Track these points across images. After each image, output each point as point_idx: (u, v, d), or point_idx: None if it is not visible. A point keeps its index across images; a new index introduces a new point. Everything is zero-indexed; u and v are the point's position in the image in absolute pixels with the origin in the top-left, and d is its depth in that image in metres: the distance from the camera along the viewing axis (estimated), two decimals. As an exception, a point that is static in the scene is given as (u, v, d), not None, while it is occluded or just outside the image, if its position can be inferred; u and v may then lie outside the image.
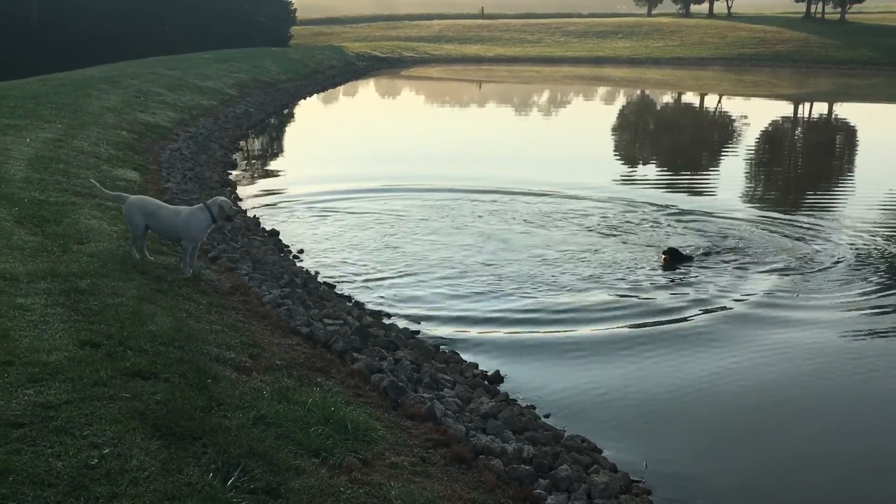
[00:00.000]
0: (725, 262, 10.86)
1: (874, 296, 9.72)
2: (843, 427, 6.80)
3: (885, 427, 6.83)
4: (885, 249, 11.74)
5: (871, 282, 10.19)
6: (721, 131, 28.99)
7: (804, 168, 22.10)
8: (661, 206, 14.44)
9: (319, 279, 9.75)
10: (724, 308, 9.18)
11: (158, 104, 21.39)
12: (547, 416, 6.58)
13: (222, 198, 7.89)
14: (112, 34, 44.16)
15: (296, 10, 64.00)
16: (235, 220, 9.06)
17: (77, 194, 10.06)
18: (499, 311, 9.03)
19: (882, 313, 9.23)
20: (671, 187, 16.97)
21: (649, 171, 20.26)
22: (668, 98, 41.90)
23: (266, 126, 26.31)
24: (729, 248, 11.50)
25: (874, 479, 6.01)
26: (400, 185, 15.88)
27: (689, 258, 10.70)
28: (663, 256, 10.65)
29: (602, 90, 45.45)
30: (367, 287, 9.73)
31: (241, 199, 14.21)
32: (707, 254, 11.09)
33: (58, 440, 4.03)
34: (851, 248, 11.71)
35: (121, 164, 13.38)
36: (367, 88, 45.01)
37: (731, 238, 12.08)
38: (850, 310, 9.26)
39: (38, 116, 15.24)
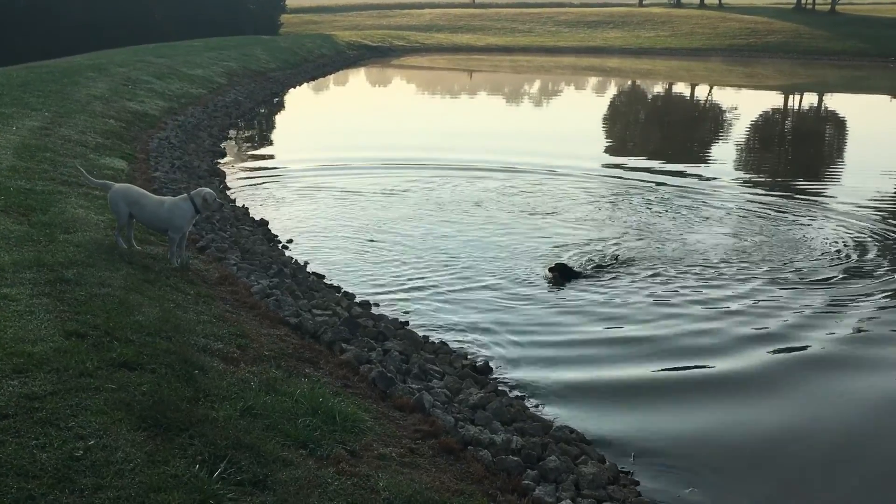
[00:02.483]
0: (655, 269, 10.22)
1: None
2: (832, 417, 6.82)
3: (869, 419, 6.89)
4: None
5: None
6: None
7: None
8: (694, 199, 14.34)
9: (308, 269, 9.71)
10: (710, 306, 9.11)
11: (147, 92, 21.21)
12: (536, 407, 6.59)
13: (207, 189, 7.84)
14: (100, 21, 43.72)
15: (286, -2, 63.72)
16: (214, 214, 8.86)
17: (64, 183, 9.97)
18: (489, 300, 9.03)
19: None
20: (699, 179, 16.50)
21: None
22: (690, 91, 41.23)
23: (255, 115, 26.13)
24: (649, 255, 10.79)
25: (861, 478, 6.01)
26: (392, 173, 15.92)
27: (578, 274, 9.90)
28: (552, 273, 9.83)
29: (615, 80, 45.17)
30: (357, 277, 9.71)
31: (229, 189, 14.13)
32: (600, 267, 10.24)
33: (42, 431, 4.01)
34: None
35: (108, 152, 13.26)
36: (358, 77, 44.81)
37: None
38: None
39: (24, 104, 15.06)
